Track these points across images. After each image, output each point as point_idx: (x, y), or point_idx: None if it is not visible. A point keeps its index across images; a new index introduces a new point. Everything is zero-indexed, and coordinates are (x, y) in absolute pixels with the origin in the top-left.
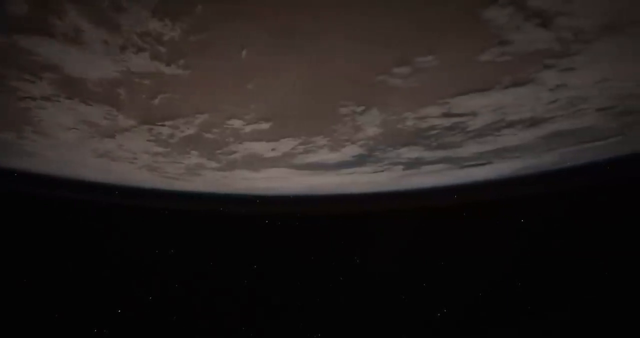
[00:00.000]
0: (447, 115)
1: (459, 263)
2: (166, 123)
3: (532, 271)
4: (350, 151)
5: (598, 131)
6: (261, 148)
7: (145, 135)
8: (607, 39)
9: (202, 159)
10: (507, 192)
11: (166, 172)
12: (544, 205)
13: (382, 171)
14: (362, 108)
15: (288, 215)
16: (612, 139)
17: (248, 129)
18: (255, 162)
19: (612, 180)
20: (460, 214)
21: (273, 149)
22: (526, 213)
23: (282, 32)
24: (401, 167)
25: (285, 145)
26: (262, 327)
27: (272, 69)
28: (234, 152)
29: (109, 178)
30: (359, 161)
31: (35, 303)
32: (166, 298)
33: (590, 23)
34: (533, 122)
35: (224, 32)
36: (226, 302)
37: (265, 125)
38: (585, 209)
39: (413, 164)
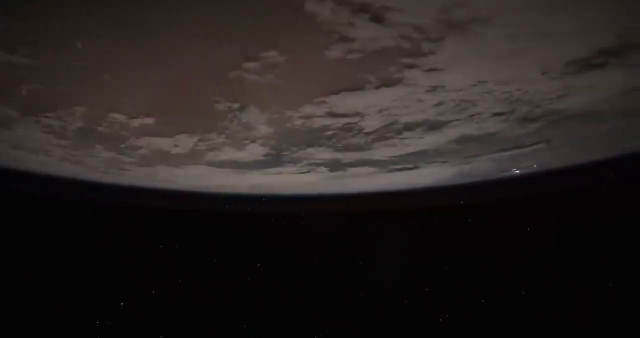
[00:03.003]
0: (332, 115)
1: (462, 268)
2: (49, 115)
3: (534, 275)
4: (257, 150)
5: (511, 138)
6: (163, 144)
7: (37, 127)
8: (457, 39)
9: (111, 153)
10: (509, 193)
11: (90, 166)
12: (546, 206)
13: (308, 172)
14: (237, 105)
15: (293, 215)
16: (537, 147)
17: (135, 123)
18: (168, 159)
19: (611, 181)
20: (464, 216)
21: (176, 146)
22: (528, 215)
23: (116, 25)
24: (325, 168)
25: (185, 141)
26: (263, 326)
27: (118, 62)
28: (140, 148)
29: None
30: (274, 161)
31: (35, 301)
32: (168, 296)
33: (429, 21)
34: (432, 126)
35: (50, 21)
36: (228, 300)
37: (149, 120)
38: (584, 210)
39: (334, 166)
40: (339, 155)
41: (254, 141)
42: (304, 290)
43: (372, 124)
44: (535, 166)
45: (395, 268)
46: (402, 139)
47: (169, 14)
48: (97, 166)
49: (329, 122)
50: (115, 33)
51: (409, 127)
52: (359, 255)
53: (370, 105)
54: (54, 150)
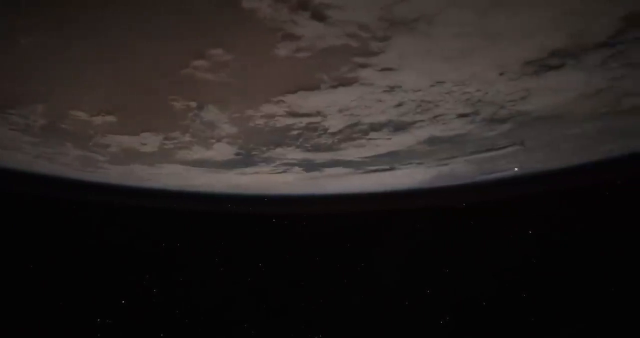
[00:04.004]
0: (293, 114)
1: (463, 269)
2: (11, 111)
3: (535, 277)
4: (226, 149)
5: (482, 139)
6: (130, 142)
7: (4, 123)
8: (404, 38)
9: (81, 150)
10: (504, 195)
11: (65, 163)
12: (547, 207)
13: (284, 172)
14: (195, 104)
15: (296, 214)
16: (511, 149)
17: (97, 121)
18: (140, 157)
19: (611, 181)
20: (466, 217)
21: (143, 144)
22: (526, 216)
23: (61, 23)
24: (299, 168)
25: (151, 140)
26: (264, 326)
27: (69, 60)
28: (108, 145)
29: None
30: (247, 160)
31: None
32: (169, 295)
33: (372, 19)
34: (397, 127)
35: None
36: (229, 299)
37: (111, 118)
38: (584, 211)
39: (308, 166)
40: (309, 155)
41: (219, 140)
42: (305, 290)
43: (335, 123)
44: (516, 168)
45: (397, 269)
46: (370, 139)
47: (106, 11)
48: (72, 164)
49: (291, 121)
50: (60, 32)
51: (374, 128)
52: (360, 256)
53: (330, 105)
54: (26, 147)
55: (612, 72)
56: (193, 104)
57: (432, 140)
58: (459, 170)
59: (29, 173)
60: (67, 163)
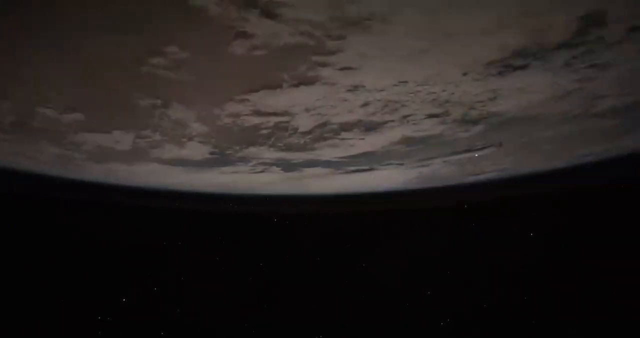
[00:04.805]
0: (259, 113)
1: (465, 270)
2: None
3: (536, 280)
4: (200, 148)
5: (456, 140)
6: (103, 140)
7: None
8: (360, 37)
9: (57, 148)
10: (512, 193)
11: (44, 161)
12: (547, 207)
13: (262, 172)
14: (159, 102)
15: (297, 214)
16: (488, 150)
17: (65, 118)
18: (116, 155)
19: (612, 180)
20: (469, 218)
21: (117, 142)
22: (530, 216)
23: (16, 23)
24: (277, 168)
25: (123, 138)
26: (264, 325)
27: (25, 59)
28: (82, 143)
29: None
30: (223, 160)
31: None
32: (170, 293)
33: (323, 17)
34: (368, 127)
35: None
36: (229, 299)
37: (78, 116)
38: (584, 211)
39: (286, 166)
40: (284, 155)
41: (191, 139)
42: (306, 290)
43: (304, 123)
44: (501, 170)
45: (398, 270)
46: (343, 139)
47: (61, 10)
48: (52, 161)
49: (258, 120)
50: (17, 31)
51: (345, 127)
52: (361, 256)
53: (295, 104)
54: (1, 145)
55: (579, 74)
56: (158, 102)
57: (406, 141)
58: (441, 171)
59: (10, 170)
60: (46, 161)
